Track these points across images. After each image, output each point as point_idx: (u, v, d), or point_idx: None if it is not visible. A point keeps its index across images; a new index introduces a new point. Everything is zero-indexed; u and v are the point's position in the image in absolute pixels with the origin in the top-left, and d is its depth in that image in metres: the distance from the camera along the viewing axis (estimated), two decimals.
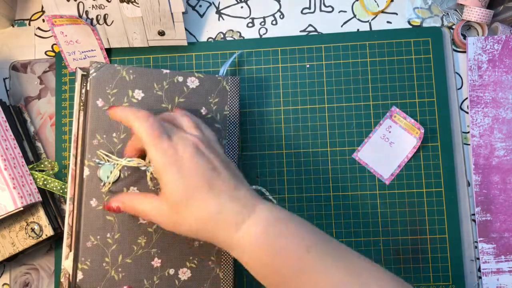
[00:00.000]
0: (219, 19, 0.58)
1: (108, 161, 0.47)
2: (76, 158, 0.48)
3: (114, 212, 0.44)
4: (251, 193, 0.40)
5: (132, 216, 0.47)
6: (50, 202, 0.54)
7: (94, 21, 0.54)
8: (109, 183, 0.46)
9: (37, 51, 0.59)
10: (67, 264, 0.47)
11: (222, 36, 0.58)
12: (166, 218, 0.39)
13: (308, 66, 0.56)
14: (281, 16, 0.58)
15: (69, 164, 0.55)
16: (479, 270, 0.52)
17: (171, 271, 0.47)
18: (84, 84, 0.49)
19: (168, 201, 0.38)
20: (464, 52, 0.55)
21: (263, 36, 0.57)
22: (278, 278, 0.37)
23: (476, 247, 0.53)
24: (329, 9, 0.58)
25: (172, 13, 0.53)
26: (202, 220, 0.38)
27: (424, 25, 0.56)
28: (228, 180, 0.39)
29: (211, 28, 0.58)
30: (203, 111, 0.50)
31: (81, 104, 0.49)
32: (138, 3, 0.52)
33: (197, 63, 0.56)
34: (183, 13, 0.53)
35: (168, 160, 0.38)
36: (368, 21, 0.57)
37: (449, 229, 0.52)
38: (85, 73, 0.49)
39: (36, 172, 0.52)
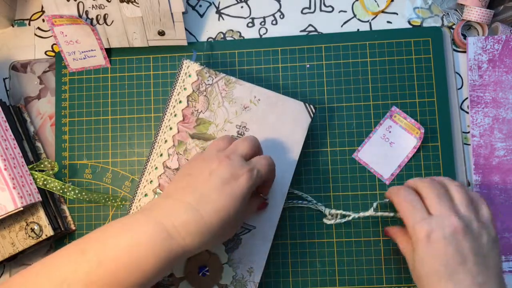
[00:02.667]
0: (219, 19, 0.58)
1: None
2: None
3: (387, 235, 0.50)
4: None
5: None
6: (50, 202, 0.54)
7: (94, 21, 0.54)
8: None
9: (37, 51, 0.59)
10: None
11: (222, 36, 0.58)
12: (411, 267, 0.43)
13: (308, 66, 0.56)
14: (281, 16, 0.58)
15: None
16: None
17: None
18: None
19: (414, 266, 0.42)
20: (464, 52, 0.55)
21: (263, 36, 0.57)
22: None
23: None
24: (329, 9, 0.57)
25: (172, 13, 0.53)
26: None
27: (424, 25, 0.56)
28: (473, 276, 0.39)
29: (211, 28, 0.58)
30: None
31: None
32: (138, 3, 0.52)
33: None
34: (183, 13, 0.53)
35: (421, 240, 0.41)
36: (368, 21, 0.57)
37: None
38: None
39: (36, 172, 0.52)
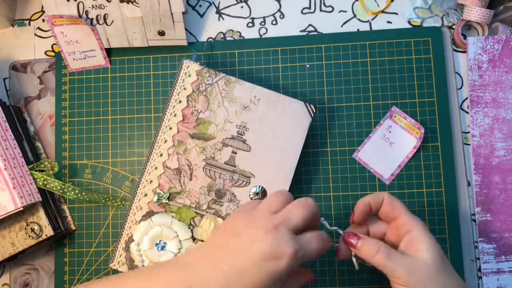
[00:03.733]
0: (219, 19, 0.58)
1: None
2: None
3: (348, 245, 0.43)
4: None
5: None
6: (50, 202, 0.54)
7: (94, 21, 0.54)
8: None
9: (37, 51, 0.59)
10: None
11: (222, 36, 0.58)
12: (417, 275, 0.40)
13: (308, 66, 0.56)
14: (281, 16, 0.58)
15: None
16: (479, 270, 0.52)
17: None
18: None
19: (424, 261, 0.40)
20: (464, 52, 0.55)
21: (263, 36, 0.57)
22: None
23: (476, 247, 0.53)
24: (329, 9, 0.57)
25: (172, 13, 0.53)
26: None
27: (424, 25, 0.56)
28: None
29: (211, 28, 0.58)
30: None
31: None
32: (138, 3, 0.52)
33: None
34: (183, 13, 0.53)
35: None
36: (368, 21, 0.57)
37: (449, 229, 0.52)
38: None
39: (36, 172, 0.52)
